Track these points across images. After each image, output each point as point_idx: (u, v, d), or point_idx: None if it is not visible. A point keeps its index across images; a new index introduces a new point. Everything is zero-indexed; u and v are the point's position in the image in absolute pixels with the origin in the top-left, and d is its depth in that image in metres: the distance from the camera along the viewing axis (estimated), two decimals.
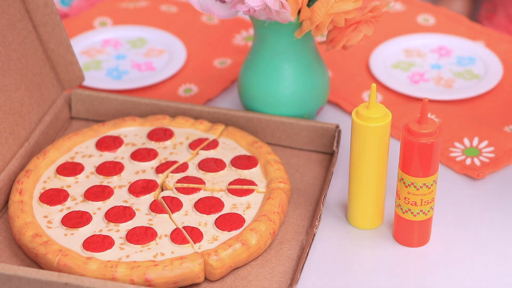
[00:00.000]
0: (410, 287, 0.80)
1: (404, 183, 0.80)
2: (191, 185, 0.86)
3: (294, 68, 0.93)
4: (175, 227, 0.82)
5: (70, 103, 0.99)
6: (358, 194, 0.83)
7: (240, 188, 0.86)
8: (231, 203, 0.85)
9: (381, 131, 0.80)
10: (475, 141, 0.97)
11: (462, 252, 0.84)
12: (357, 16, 0.87)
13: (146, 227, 0.82)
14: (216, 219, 0.83)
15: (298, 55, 0.93)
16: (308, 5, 0.87)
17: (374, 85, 0.78)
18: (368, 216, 0.84)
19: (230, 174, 0.88)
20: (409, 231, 0.83)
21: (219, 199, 0.85)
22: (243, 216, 0.83)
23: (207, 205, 0.84)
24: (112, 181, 0.88)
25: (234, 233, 0.82)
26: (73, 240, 0.81)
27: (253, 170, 0.89)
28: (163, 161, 0.90)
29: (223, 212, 0.84)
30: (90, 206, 0.85)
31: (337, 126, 0.93)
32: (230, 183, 0.87)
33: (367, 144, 0.80)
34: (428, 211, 0.81)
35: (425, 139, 0.77)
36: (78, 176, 0.88)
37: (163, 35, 1.14)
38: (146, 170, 0.89)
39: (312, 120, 0.96)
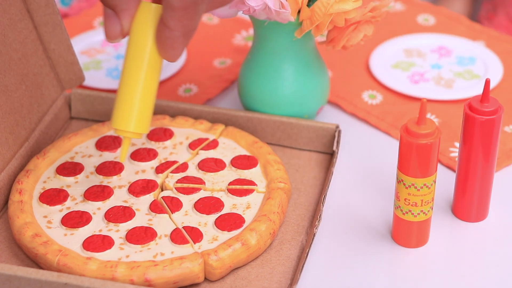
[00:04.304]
0: (409, 287, 0.80)
1: (404, 184, 0.80)
2: (191, 185, 0.87)
3: (294, 68, 0.93)
4: (175, 227, 0.82)
5: (70, 103, 0.99)
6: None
7: (240, 188, 0.86)
8: (231, 203, 0.85)
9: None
10: None
11: (461, 252, 0.84)
12: (357, 16, 0.87)
13: (146, 227, 0.82)
14: (216, 219, 0.83)
15: (298, 55, 0.93)
16: (308, 5, 0.87)
17: None
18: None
19: (230, 174, 0.89)
20: (409, 232, 0.83)
21: (219, 199, 0.85)
22: (243, 216, 0.83)
23: (207, 205, 0.84)
24: (112, 181, 0.88)
25: (234, 233, 0.82)
26: (72, 240, 0.81)
27: (253, 170, 0.89)
28: (163, 161, 0.90)
29: (223, 212, 0.84)
30: (90, 206, 0.85)
31: (337, 126, 0.93)
32: (230, 183, 0.87)
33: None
34: (428, 211, 0.81)
35: (424, 139, 0.77)
36: (78, 176, 0.88)
37: None
38: (146, 170, 0.89)
39: (312, 120, 0.96)
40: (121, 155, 0.81)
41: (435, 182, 0.80)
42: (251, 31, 1.16)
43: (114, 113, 0.79)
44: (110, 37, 0.77)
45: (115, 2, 0.75)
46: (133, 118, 0.78)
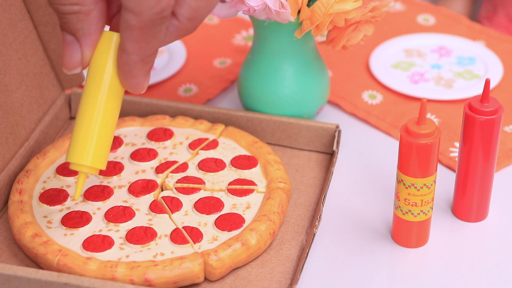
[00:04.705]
0: (409, 287, 0.80)
1: (404, 184, 0.80)
2: (191, 185, 0.87)
3: (294, 68, 0.93)
4: (175, 227, 0.82)
5: (70, 103, 0.99)
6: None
7: (240, 188, 0.86)
8: (231, 203, 0.85)
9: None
10: None
11: (461, 252, 0.84)
12: (357, 16, 0.87)
13: (146, 227, 0.82)
14: (216, 219, 0.83)
15: (298, 55, 0.93)
16: (308, 5, 0.87)
17: None
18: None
19: (230, 174, 0.88)
20: (409, 232, 0.83)
21: (219, 199, 0.85)
22: (243, 216, 0.83)
23: (207, 205, 0.84)
24: (111, 181, 0.88)
25: (234, 233, 0.82)
26: (72, 240, 0.81)
27: (253, 170, 0.89)
28: (163, 161, 0.90)
29: (223, 212, 0.84)
30: (89, 206, 0.85)
31: (337, 126, 0.93)
32: (230, 183, 0.87)
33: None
34: (428, 211, 0.81)
35: (424, 139, 0.77)
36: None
37: None
38: (146, 170, 0.89)
39: (312, 120, 0.96)
40: (76, 192, 0.78)
41: (435, 182, 0.80)
42: (251, 31, 1.16)
43: (70, 146, 0.76)
44: (69, 67, 0.73)
45: (77, 25, 0.71)
46: (90, 152, 0.75)
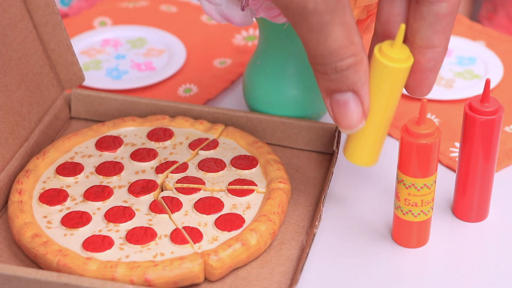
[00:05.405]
0: (409, 287, 0.80)
1: (404, 184, 0.80)
2: (191, 185, 0.86)
3: (304, 69, 0.93)
4: (175, 227, 0.82)
5: (69, 103, 0.99)
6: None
7: (240, 188, 0.86)
8: (231, 203, 0.85)
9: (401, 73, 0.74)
10: None
11: (461, 252, 0.84)
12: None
13: (146, 227, 0.82)
14: (216, 219, 0.83)
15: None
16: None
17: (403, 25, 0.71)
18: (365, 151, 0.78)
19: (230, 174, 0.88)
20: (409, 232, 0.83)
21: (219, 199, 0.85)
22: (243, 216, 0.83)
23: (207, 205, 0.84)
24: (111, 181, 0.88)
25: (234, 233, 0.82)
26: (72, 240, 0.81)
27: (253, 170, 0.89)
28: (163, 161, 0.90)
29: (223, 212, 0.84)
30: (89, 206, 0.85)
31: (337, 126, 0.93)
32: (230, 183, 0.87)
33: (381, 84, 0.74)
34: (428, 211, 0.81)
35: (424, 139, 0.77)
36: (77, 176, 0.88)
37: (163, 35, 1.14)
38: (146, 170, 0.89)
39: (312, 120, 0.96)
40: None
41: (435, 182, 0.80)
42: (251, 31, 1.16)
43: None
44: (353, 126, 0.69)
45: (354, 78, 0.67)
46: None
